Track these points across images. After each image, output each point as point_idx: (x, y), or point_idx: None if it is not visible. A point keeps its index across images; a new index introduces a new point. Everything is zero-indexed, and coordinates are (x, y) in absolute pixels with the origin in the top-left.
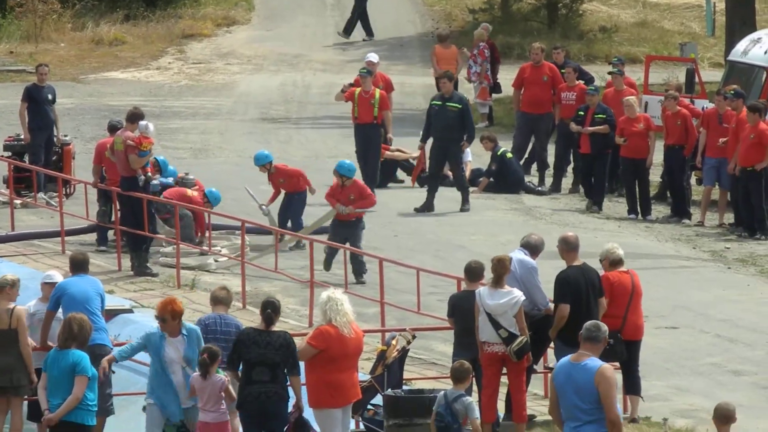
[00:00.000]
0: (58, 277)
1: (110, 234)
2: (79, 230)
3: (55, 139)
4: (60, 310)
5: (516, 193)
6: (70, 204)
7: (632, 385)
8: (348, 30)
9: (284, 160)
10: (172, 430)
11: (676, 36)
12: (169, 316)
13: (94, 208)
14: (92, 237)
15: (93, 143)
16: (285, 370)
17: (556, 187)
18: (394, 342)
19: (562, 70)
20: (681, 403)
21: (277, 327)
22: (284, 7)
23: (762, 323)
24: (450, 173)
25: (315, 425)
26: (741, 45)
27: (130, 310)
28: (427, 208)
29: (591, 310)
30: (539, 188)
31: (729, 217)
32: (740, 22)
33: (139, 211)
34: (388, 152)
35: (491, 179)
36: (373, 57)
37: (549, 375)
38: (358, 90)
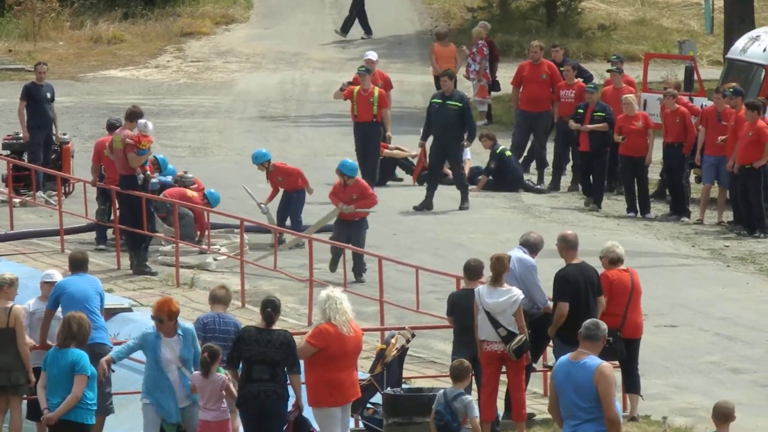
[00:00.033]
0: (57, 275)
1: (109, 233)
2: (79, 229)
3: (54, 137)
4: (59, 308)
5: (515, 191)
6: (69, 203)
7: (632, 384)
8: (345, 28)
9: (283, 159)
10: (171, 429)
11: (675, 34)
12: (166, 316)
13: (93, 206)
14: (91, 236)
15: (92, 142)
16: (285, 369)
17: (555, 185)
18: (393, 340)
19: (561, 68)
20: (680, 402)
21: (276, 326)
22: (283, 5)
23: (761, 321)
24: (449, 172)
25: (315, 424)
26: (740, 43)
27: (129, 309)
28: (426, 206)
29: (590, 308)
30: (538, 186)
31: (728, 215)
32: (739, 20)
33: (138, 210)
34: (387, 150)
35: (490, 177)
36: (372, 55)
37: (548, 373)
38: (356, 88)
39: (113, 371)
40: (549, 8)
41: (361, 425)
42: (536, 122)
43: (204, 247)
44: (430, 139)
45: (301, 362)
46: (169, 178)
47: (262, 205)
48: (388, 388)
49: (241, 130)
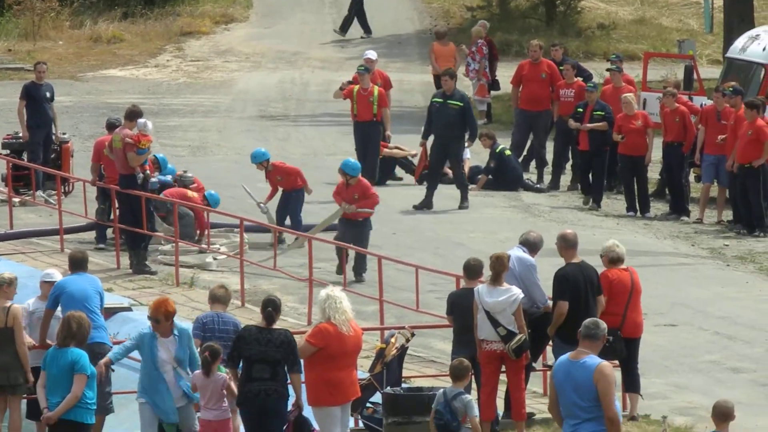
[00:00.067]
0: (57, 275)
1: (109, 232)
2: (78, 228)
3: (53, 136)
4: (59, 308)
5: (515, 190)
6: (69, 202)
7: (631, 383)
8: (344, 28)
9: (282, 158)
10: (172, 429)
11: (675, 33)
12: (162, 316)
13: (92, 206)
14: (91, 235)
15: (91, 141)
16: (286, 368)
17: (554, 185)
18: (393, 340)
19: (561, 67)
20: (680, 401)
21: (276, 325)
22: (282, 4)
23: (761, 320)
24: (449, 171)
25: (315, 424)
26: (739, 42)
27: (129, 308)
28: (425, 205)
29: (589, 307)
30: (538, 185)
31: (728, 214)
32: (738, 19)
33: (138, 209)
34: (386, 149)
35: (490, 176)
36: (372, 54)
37: (548, 373)
38: (356, 87)
39: (113, 370)
40: (548, 7)
41: (360, 424)
42: (536, 121)
43: (204, 246)
44: (431, 138)
45: (301, 361)
46: (169, 178)
47: (262, 205)
48: (388, 388)
49: (241, 129)
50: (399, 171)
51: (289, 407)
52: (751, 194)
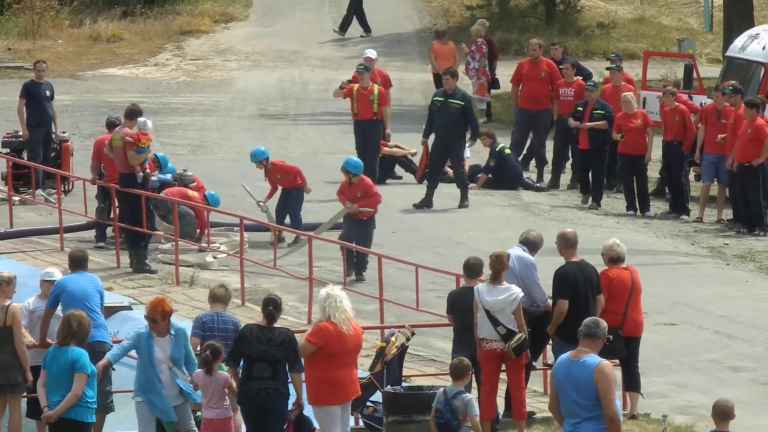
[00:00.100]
0: (57, 274)
1: (109, 231)
2: (78, 227)
3: (53, 135)
4: (59, 307)
5: (514, 189)
6: (69, 201)
7: (631, 382)
8: (344, 27)
9: (282, 157)
10: (171, 428)
11: (674, 32)
12: (159, 316)
13: (92, 204)
14: (91, 234)
15: (91, 140)
16: (286, 367)
17: (554, 183)
18: (393, 339)
19: (560, 66)
20: (680, 400)
21: (277, 324)
22: (282, 3)
23: (761, 319)
24: (449, 170)
25: (315, 423)
26: (739, 41)
27: (129, 307)
28: (425, 204)
29: (589, 306)
30: (538, 184)
31: (728, 213)
32: (738, 18)
33: (138, 208)
34: (386, 148)
35: (490, 175)
36: (371, 53)
37: (548, 372)
38: (356, 86)
39: (113, 369)
40: (548, 6)
41: (361, 423)
42: (535, 120)
43: (203, 245)
44: (432, 137)
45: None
46: (169, 176)
47: (261, 203)
48: (388, 387)
49: (241, 128)
50: (399, 170)
51: (290, 406)
52: (751, 193)
